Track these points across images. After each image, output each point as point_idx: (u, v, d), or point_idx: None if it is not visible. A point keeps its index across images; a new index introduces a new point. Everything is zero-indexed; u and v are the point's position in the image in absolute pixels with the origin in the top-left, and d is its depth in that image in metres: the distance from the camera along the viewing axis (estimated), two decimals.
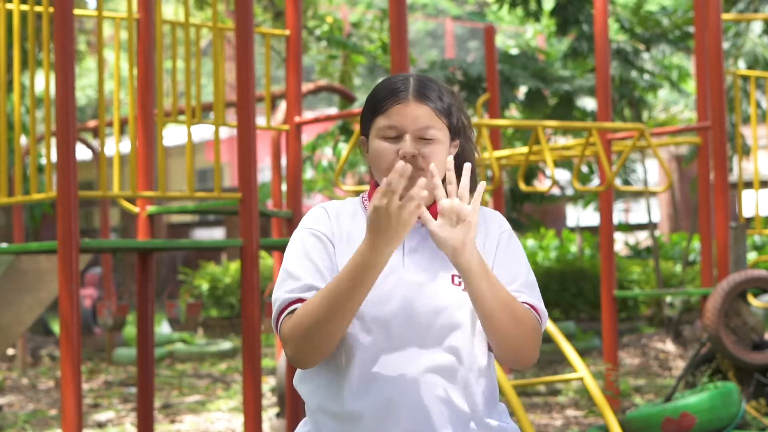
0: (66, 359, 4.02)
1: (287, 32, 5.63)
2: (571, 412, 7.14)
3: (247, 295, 4.42)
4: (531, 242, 13.22)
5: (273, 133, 7.52)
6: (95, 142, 12.01)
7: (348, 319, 1.99)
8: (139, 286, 4.96)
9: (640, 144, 6.59)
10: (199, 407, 7.85)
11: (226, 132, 17.11)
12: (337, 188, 11.97)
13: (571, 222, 19.06)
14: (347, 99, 10.79)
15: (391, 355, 2.05)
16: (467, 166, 2.01)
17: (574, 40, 9.79)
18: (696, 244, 11.99)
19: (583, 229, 14.79)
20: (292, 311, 2.04)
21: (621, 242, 16.47)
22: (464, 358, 2.08)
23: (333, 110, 19.11)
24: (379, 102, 2.11)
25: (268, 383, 8.54)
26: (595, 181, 10.96)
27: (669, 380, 8.45)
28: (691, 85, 14.12)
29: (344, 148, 9.88)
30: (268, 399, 7.85)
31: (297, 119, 5.63)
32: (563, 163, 10.62)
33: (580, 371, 4.86)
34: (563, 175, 13.22)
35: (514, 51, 11.14)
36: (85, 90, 22.54)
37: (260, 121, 5.78)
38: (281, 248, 5.52)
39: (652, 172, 16.16)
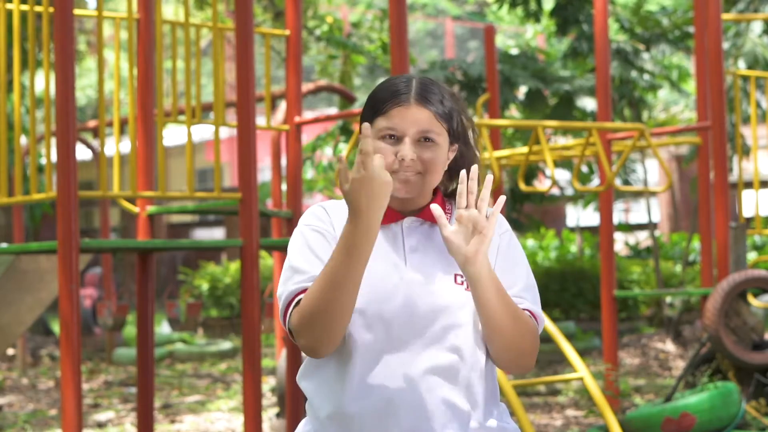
0: (66, 359, 4.02)
1: (287, 32, 5.63)
2: (571, 412, 7.14)
3: (247, 295, 4.42)
4: (531, 242, 13.23)
5: (273, 133, 7.52)
6: (95, 142, 12.01)
7: (350, 298, 1.98)
8: (139, 286, 4.96)
9: (640, 144, 6.59)
10: (199, 407, 7.85)
11: (226, 132, 17.10)
12: (337, 188, 11.96)
13: (571, 222, 19.07)
14: (347, 99, 10.79)
15: (392, 355, 2.05)
16: (489, 178, 2.01)
17: (574, 40, 9.79)
18: (696, 244, 11.99)
19: (583, 229, 14.80)
20: (299, 302, 2.04)
21: (621, 242, 16.47)
22: (466, 357, 2.08)
23: (333, 110, 19.11)
24: (380, 103, 2.11)
25: (268, 383, 8.54)
26: (595, 181, 10.96)
27: (669, 380, 8.45)
28: (691, 85, 14.12)
29: (344, 148, 9.88)
30: (268, 399, 7.85)
31: (297, 119, 5.63)
32: (563, 163, 10.62)
33: (580, 371, 4.85)
34: (563, 175, 13.22)
35: (514, 51, 11.14)
36: (85, 90, 22.54)
37: (260, 121, 5.78)
38: (281, 248, 5.52)
39: (652, 172, 16.16)
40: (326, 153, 11.92)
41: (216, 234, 21.93)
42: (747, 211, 15.66)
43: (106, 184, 4.38)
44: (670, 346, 9.95)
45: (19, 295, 5.79)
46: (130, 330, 11.96)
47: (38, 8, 4.52)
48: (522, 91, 10.20)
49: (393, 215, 2.13)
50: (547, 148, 5.36)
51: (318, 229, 2.11)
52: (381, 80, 12.99)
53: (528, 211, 12.49)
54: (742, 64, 8.75)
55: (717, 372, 5.88)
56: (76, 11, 4.79)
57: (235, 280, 13.10)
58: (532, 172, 10.11)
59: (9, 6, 4.68)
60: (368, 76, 15.13)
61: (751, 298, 5.97)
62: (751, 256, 11.87)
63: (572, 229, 15.72)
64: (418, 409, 2.04)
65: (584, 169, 10.66)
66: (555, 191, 13.47)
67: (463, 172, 2.03)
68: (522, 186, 5.64)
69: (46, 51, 4.24)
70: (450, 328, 2.06)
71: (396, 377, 2.04)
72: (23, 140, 10.57)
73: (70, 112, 4.04)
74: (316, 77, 13.57)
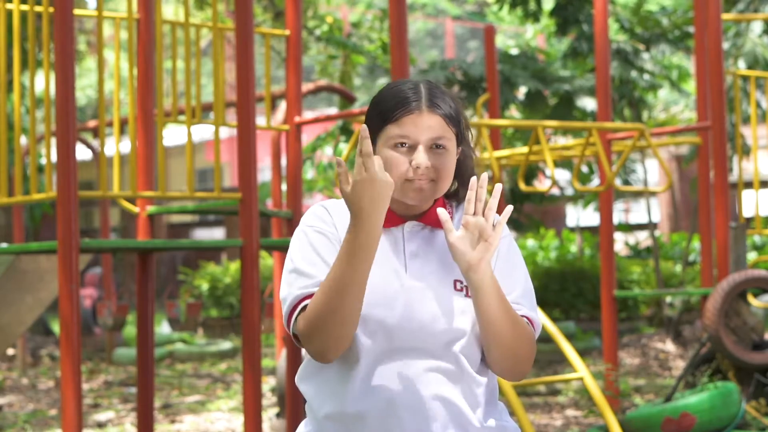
0: (66, 359, 4.02)
1: (287, 32, 5.63)
2: (571, 412, 7.14)
3: (247, 295, 4.42)
4: (531, 242, 13.23)
5: (273, 133, 7.52)
6: (95, 142, 12.02)
7: (357, 301, 1.97)
8: (139, 286, 4.96)
9: (640, 144, 6.59)
10: (199, 407, 7.85)
11: (226, 132, 17.11)
12: (337, 189, 11.96)
13: (571, 222, 19.07)
14: (347, 99, 10.79)
15: (393, 358, 2.05)
16: (498, 187, 2.01)
17: (574, 40, 9.79)
18: (696, 244, 11.99)
19: (583, 229, 14.80)
20: (305, 307, 2.03)
21: (621, 242, 16.47)
22: (466, 361, 2.08)
23: (333, 110, 19.11)
24: (389, 111, 2.09)
25: (268, 383, 8.54)
26: (595, 181, 10.96)
27: (669, 380, 8.45)
28: (691, 85, 14.12)
29: (344, 148, 9.88)
30: (268, 399, 7.85)
31: (297, 119, 5.63)
32: (563, 163, 10.62)
33: (580, 371, 4.85)
34: (563, 175, 13.22)
35: (514, 51, 11.14)
36: (85, 90, 22.54)
37: (260, 121, 5.78)
38: (281, 248, 5.52)
39: (652, 172, 16.16)
40: (326, 153, 11.92)
41: (216, 234, 21.93)
42: (747, 211, 15.67)
43: (106, 184, 4.38)
44: (670, 346, 9.95)
45: (19, 295, 5.79)
46: (130, 330, 11.96)
47: (38, 8, 4.52)
48: (522, 91, 10.20)
49: (394, 219, 2.13)
50: (547, 148, 5.36)
51: (321, 231, 2.10)
52: (381, 81, 12.93)
53: (528, 211, 12.49)
54: (742, 64, 8.75)
55: (717, 372, 5.88)
56: (76, 11, 4.79)
57: (235, 280, 13.10)
58: (532, 172, 10.11)
59: (9, 6, 4.68)
60: (368, 76, 15.12)
61: (751, 298, 5.97)
62: (751, 256, 11.87)
63: (572, 229, 15.72)
64: (419, 410, 2.04)
65: (584, 169, 10.66)
66: (555, 191, 13.47)
67: (473, 179, 2.02)
68: (522, 186, 5.64)
69: (46, 51, 4.24)
70: (450, 334, 2.06)
71: (397, 379, 2.04)
72: (23, 140, 10.57)
73: (70, 112, 4.04)
74: (316, 77, 13.57)
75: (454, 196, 2.21)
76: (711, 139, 6.49)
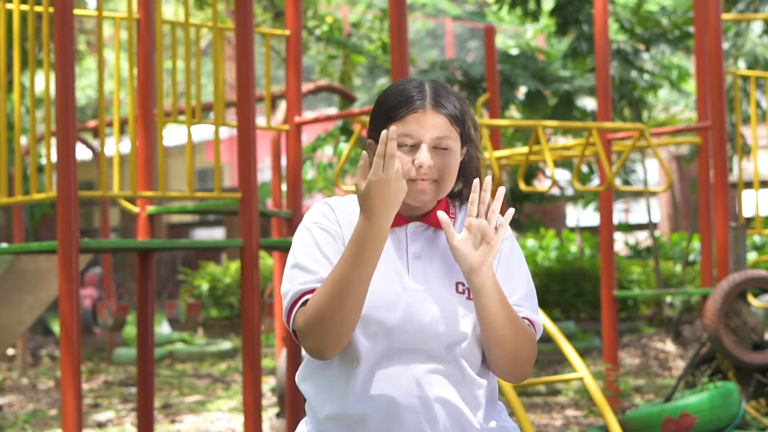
0: (66, 359, 4.02)
1: (287, 32, 5.63)
2: (571, 412, 7.14)
3: (247, 295, 4.42)
4: (531, 242, 13.23)
5: (273, 133, 7.52)
6: (95, 142, 12.02)
7: (359, 301, 1.97)
8: (139, 286, 4.96)
9: (640, 144, 6.59)
10: (199, 407, 7.85)
11: (226, 132, 17.11)
12: (338, 188, 11.97)
13: (571, 222, 19.06)
14: (347, 99, 10.79)
15: (394, 360, 2.05)
16: (501, 190, 2.01)
17: (574, 40, 9.79)
18: (696, 244, 11.99)
19: (583, 229, 14.79)
20: (305, 302, 2.03)
21: (621, 242, 16.47)
22: (467, 363, 2.08)
23: (333, 110, 19.11)
24: (393, 109, 2.08)
25: (268, 383, 8.54)
26: (595, 181, 10.96)
27: (669, 380, 8.45)
28: (691, 85, 14.13)
29: (345, 148, 9.88)
30: (268, 399, 7.85)
31: (297, 119, 5.63)
32: (563, 163, 10.62)
33: (580, 371, 4.85)
34: (563, 175, 13.22)
35: (514, 51, 11.14)
36: (85, 90, 22.54)
37: (260, 121, 5.78)
38: (281, 248, 5.52)
39: (652, 172, 16.16)
40: (326, 153, 11.92)
41: (216, 234, 21.93)
42: (747, 211, 15.67)
43: (106, 184, 4.38)
44: (670, 346, 9.95)
45: (19, 295, 5.78)
46: (130, 330, 11.96)
47: (38, 8, 4.52)
48: (522, 91, 10.20)
49: (398, 219, 2.12)
50: (547, 148, 5.35)
51: (324, 227, 2.10)
52: (381, 80, 12.92)
53: (528, 211, 12.49)
54: (742, 64, 8.75)
55: (717, 372, 5.88)
56: (76, 11, 4.79)
57: (235, 280, 13.09)
58: (532, 172, 10.11)
59: (9, 6, 4.68)
60: (368, 76, 15.12)
61: (751, 298, 5.97)
62: (751, 256, 11.87)
63: (572, 229, 15.72)
64: (420, 413, 2.04)
65: (584, 169, 10.66)
66: (555, 191, 13.47)
67: (476, 181, 2.03)
68: (522, 186, 5.63)
69: (46, 51, 4.24)
70: (452, 336, 2.06)
71: (398, 380, 2.04)
72: (23, 140, 10.56)
73: (70, 112, 4.04)
74: (316, 77, 13.56)
75: (458, 197, 2.21)
76: (711, 139, 6.49)
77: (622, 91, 9.74)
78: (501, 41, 16.45)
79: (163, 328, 12.19)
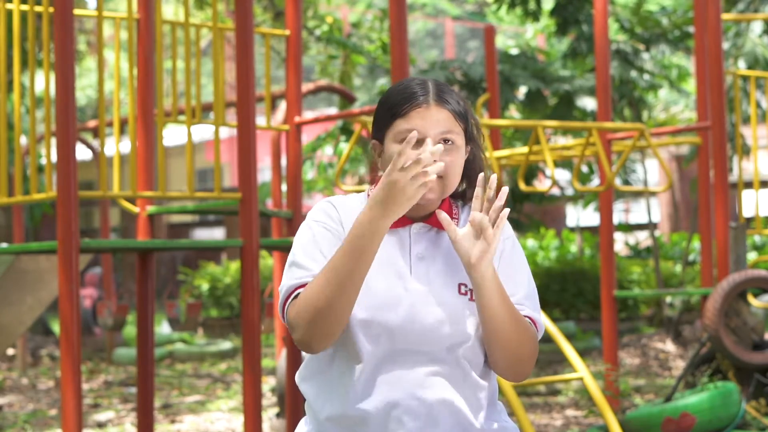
0: (66, 359, 4.02)
1: (287, 32, 5.63)
2: (571, 412, 7.14)
3: (247, 295, 4.42)
4: (531, 242, 13.23)
5: (273, 133, 7.52)
6: (95, 142, 12.02)
7: (351, 297, 1.97)
8: (139, 286, 4.96)
9: (640, 144, 6.59)
10: (199, 407, 7.85)
11: (226, 132, 17.11)
12: (337, 188, 11.97)
13: (571, 222, 19.06)
14: (347, 99, 10.79)
15: (396, 361, 2.05)
16: (504, 190, 2.01)
17: (574, 40, 9.79)
18: (696, 244, 11.99)
19: (583, 229, 14.79)
20: (297, 296, 2.03)
21: (621, 242, 16.47)
22: (468, 365, 2.08)
23: (333, 110, 19.11)
24: (397, 105, 2.09)
25: (268, 383, 8.54)
26: (595, 181, 10.96)
27: (669, 380, 8.45)
28: (691, 85, 14.13)
29: (345, 147, 9.88)
30: (268, 399, 7.85)
31: (297, 119, 5.63)
32: (563, 163, 10.61)
33: (580, 371, 4.85)
34: (563, 175, 13.22)
35: (514, 51, 11.14)
36: (85, 90, 22.53)
37: (260, 121, 5.78)
38: (281, 248, 5.52)
39: (652, 172, 16.16)
40: (326, 153, 11.92)
41: (216, 234, 21.93)
42: (747, 211, 15.67)
43: (106, 184, 4.38)
44: (670, 346, 9.95)
45: (19, 295, 5.78)
46: (130, 330, 11.96)
47: (38, 8, 4.52)
48: (522, 91, 10.20)
49: (401, 220, 2.12)
50: (547, 148, 5.35)
51: (326, 226, 2.10)
52: (381, 80, 12.91)
53: (528, 211, 12.48)
54: (742, 64, 8.75)
55: (717, 372, 5.88)
56: (76, 11, 4.79)
57: (235, 280, 13.09)
58: (532, 172, 10.11)
59: (9, 6, 4.68)
60: (368, 76, 15.12)
61: (751, 298, 5.97)
62: (751, 256, 11.87)
63: (572, 229, 15.72)
64: (421, 414, 2.04)
65: (584, 169, 10.66)
66: (555, 191, 13.47)
67: (481, 175, 2.03)
68: (522, 186, 5.63)
69: (46, 51, 4.24)
70: (454, 338, 2.06)
71: (400, 382, 2.04)
72: (23, 140, 10.56)
73: (70, 112, 4.04)
74: (316, 77, 13.56)
75: (461, 197, 2.21)
76: (711, 139, 6.49)
77: (622, 91, 9.74)
78: (501, 41, 16.45)
79: (163, 328, 12.19)
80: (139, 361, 4.95)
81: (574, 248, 13.51)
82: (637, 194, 14.27)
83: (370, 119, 4.58)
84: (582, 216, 15.65)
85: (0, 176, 4.43)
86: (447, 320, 2.05)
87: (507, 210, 2.02)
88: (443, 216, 2.01)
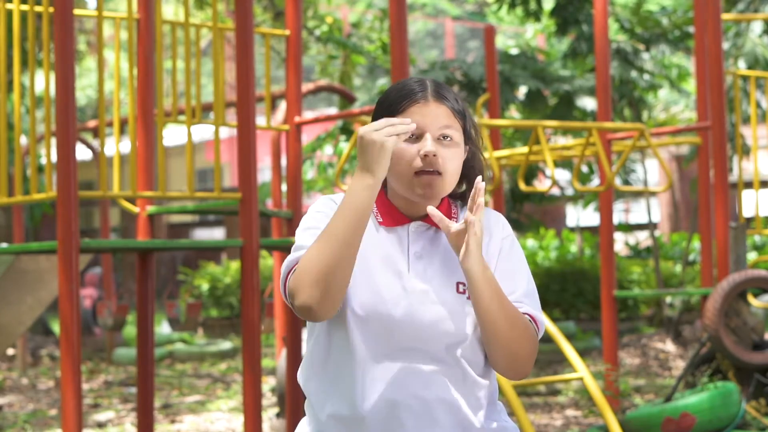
0: (66, 359, 4.02)
1: (287, 32, 5.63)
2: (571, 412, 7.14)
3: (247, 295, 4.42)
4: (531, 242, 13.23)
5: (273, 133, 7.52)
6: (95, 142, 12.02)
7: (349, 256, 1.97)
8: (139, 286, 4.96)
9: (640, 144, 6.59)
10: (199, 407, 7.85)
11: (226, 132, 17.11)
12: (337, 188, 11.96)
13: (571, 222, 19.06)
14: (347, 99, 10.79)
15: (395, 360, 2.05)
16: (480, 184, 2.02)
17: (574, 40, 9.79)
18: (696, 244, 11.99)
19: (583, 229, 14.79)
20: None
21: (621, 242, 16.47)
22: (468, 364, 2.08)
23: (333, 110, 19.11)
24: (396, 103, 2.10)
25: (268, 383, 8.54)
26: (595, 181, 10.96)
27: (669, 380, 8.45)
28: (691, 85, 14.13)
29: (345, 147, 9.88)
30: (268, 399, 7.85)
31: (297, 119, 5.63)
32: (563, 163, 10.62)
33: (580, 371, 4.85)
34: (563, 175, 13.22)
35: (514, 51, 11.14)
36: (85, 90, 22.53)
37: (260, 121, 5.78)
38: (281, 248, 5.52)
39: (652, 172, 16.16)
40: (326, 153, 11.92)
41: (216, 234, 21.93)
42: (747, 211, 15.67)
43: (106, 184, 4.38)
44: (670, 346, 9.95)
45: (19, 295, 5.78)
46: (130, 330, 11.96)
47: (38, 8, 4.52)
48: (522, 91, 10.20)
49: (400, 219, 2.13)
50: (547, 148, 5.35)
51: (323, 212, 2.12)
52: (381, 81, 12.93)
53: (528, 211, 12.49)
54: (742, 64, 8.75)
55: (717, 372, 5.88)
56: (76, 11, 4.79)
57: (235, 280, 13.09)
58: (532, 172, 10.11)
59: (9, 6, 4.68)
60: (368, 76, 15.13)
61: (751, 298, 5.97)
62: (751, 256, 11.87)
63: (572, 229, 15.72)
64: (421, 414, 2.04)
65: (584, 169, 10.66)
66: (555, 191, 13.47)
67: (478, 178, 2.04)
68: (522, 186, 5.63)
69: (46, 51, 4.24)
70: (452, 336, 2.06)
71: (399, 382, 2.04)
72: (23, 140, 10.56)
73: (70, 112, 4.04)
74: (316, 77, 13.56)
75: (461, 197, 2.21)
76: (711, 139, 6.49)
77: (622, 91, 9.74)
78: (501, 41, 16.46)
79: (163, 328, 12.19)
80: (139, 361, 4.95)
81: (574, 248, 13.51)
82: (637, 194, 14.27)
83: (369, 119, 4.58)
84: (582, 216, 15.65)
85: (0, 176, 4.43)
86: (445, 318, 2.05)
87: (482, 200, 2.03)
88: (434, 212, 2.01)
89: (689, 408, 5.07)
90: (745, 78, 8.48)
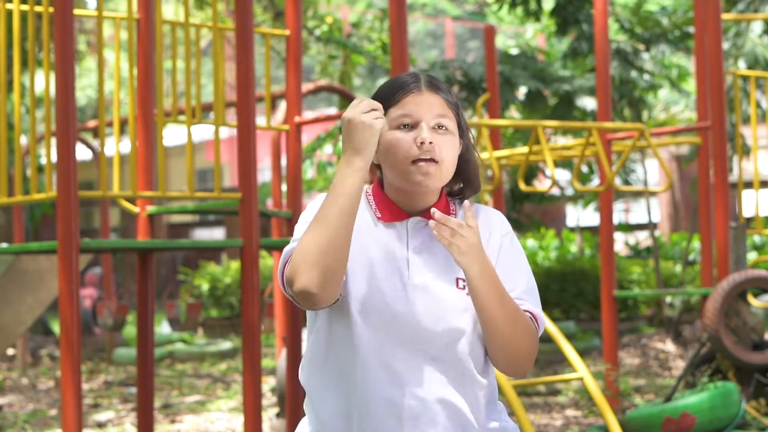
0: (66, 359, 4.02)
1: (287, 32, 5.63)
2: (571, 412, 7.14)
3: (247, 295, 4.42)
4: (531, 242, 13.23)
5: (273, 133, 7.52)
6: (95, 142, 12.02)
7: (343, 237, 1.98)
8: (139, 286, 4.96)
9: (640, 144, 6.59)
10: (199, 407, 7.85)
11: (226, 132, 17.11)
12: None
13: (571, 222, 19.06)
14: (347, 99, 10.78)
15: (394, 357, 2.05)
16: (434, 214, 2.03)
17: (574, 40, 9.79)
18: (696, 244, 11.99)
19: (583, 229, 14.79)
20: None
21: (621, 242, 16.47)
22: (466, 360, 2.08)
23: (333, 110, 19.11)
24: (390, 95, 2.12)
25: (268, 383, 8.54)
26: (595, 181, 10.96)
27: (669, 380, 8.45)
28: (691, 85, 14.13)
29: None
30: (268, 399, 7.85)
31: (297, 119, 5.63)
32: (563, 163, 10.62)
33: (580, 371, 4.85)
34: (563, 175, 13.22)
35: (514, 51, 11.14)
36: (85, 90, 22.53)
37: (260, 121, 5.78)
38: (281, 248, 5.52)
39: (652, 172, 16.16)
40: (326, 152, 11.92)
41: (216, 234, 21.93)
42: (747, 211, 15.67)
43: (106, 184, 4.38)
44: (670, 346, 9.95)
45: (19, 295, 5.78)
46: (130, 330, 11.96)
47: (38, 8, 4.52)
48: (522, 91, 10.20)
49: (399, 214, 2.13)
50: (547, 148, 5.35)
51: (318, 206, 2.13)
52: (381, 81, 12.97)
53: (528, 211, 12.49)
54: (742, 64, 8.75)
55: (717, 372, 5.88)
56: (76, 11, 4.79)
57: (235, 280, 13.10)
58: (532, 172, 10.11)
59: (9, 6, 4.68)
60: (368, 76, 15.13)
61: (751, 298, 5.97)
62: (751, 256, 11.87)
63: (572, 229, 15.72)
64: (420, 412, 2.04)
65: (584, 169, 10.66)
66: (555, 191, 13.47)
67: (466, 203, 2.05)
68: (522, 186, 5.63)
69: (46, 51, 4.24)
70: (451, 332, 2.06)
71: (398, 379, 2.04)
72: (23, 140, 10.56)
73: (70, 112, 4.04)
74: (316, 77, 13.56)
75: (458, 195, 2.21)
76: (711, 139, 6.49)
77: (622, 91, 9.74)
78: (501, 41, 16.46)
79: (163, 328, 12.19)
80: (139, 361, 4.95)
81: (574, 248, 13.51)
82: (637, 194, 14.27)
83: None
84: (582, 216, 15.65)
85: (0, 176, 4.42)
86: (444, 313, 2.06)
87: (466, 203, 2.04)
88: (436, 214, 2.01)
89: (689, 408, 5.07)
90: (745, 78, 8.48)
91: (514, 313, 2.04)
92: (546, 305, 10.97)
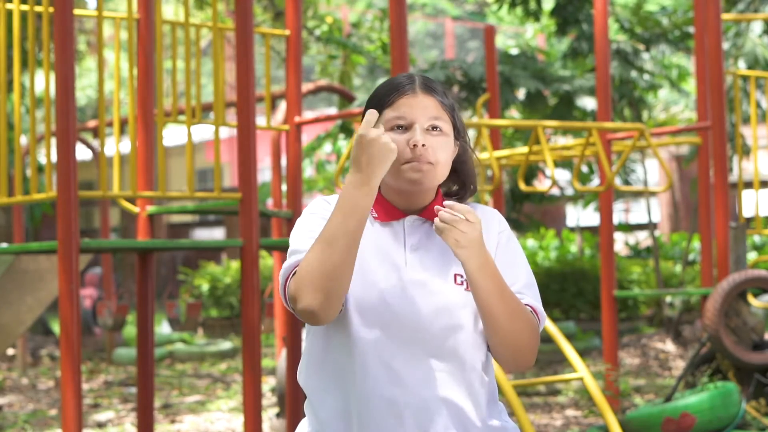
0: (66, 359, 4.02)
1: (287, 32, 5.63)
2: (571, 412, 7.14)
3: (247, 295, 4.42)
4: (531, 242, 13.23)
5: (273, 133, 7.52)
6: (95, 142, 12.02)
7: (345, 256, 1.96)
8: (139, 286, 4.96)
9: (640, 144, 6.59)
10: (199, 407, 7.85)
11: (226, 132, 17.11)
12: (338, 188, 11.96)
13: (571, 222, 19.07)
14: (347, 99, 10.79)
15: (393, 356, 2.05)
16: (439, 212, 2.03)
17: (574, 40, 9.79)
18: (696, 244, 11.99)
19: (583, 229, 14.79)
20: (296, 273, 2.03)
21: (621, 242, 16.47)
22: (466, 358, 2.08)
23: (333, 110, 19.11)
24: (384, 96, 2.12)
25: (268, 383, 8.54)
26: (595, 181, 10.95)
27: (669, 380, 8.45)
28: (691, 85, 14.13)
29: (344, 146, 9.88)
30: (268, 399, 7.85)
31: (297, 119, 5.63)
32: (563, 163, 10.62)
33: (580, 371, 4.85)
34: (563, 175, 13.22)
35: (514, 51, 11.14)
36: (85, 90, 22.53)
37: (260, 121, 5.78)
38: (281, 248, 5.52)
39: (652, 172, 16.16)
40: (325, 151, 11.93)
41: (216, 234, 21.93)
42: (747, 211, 15.67)
43: (106, 184, 4.38)
44: (670, 346, 9.95)
45: (19, 295, 5.78)
46: (130, 330, 11.96)
47: (38, 8, 4.52)
48: (522, 91, 10.20)
49: (395, 213, 2.14)
50: (547, 148, 5.35)
51: (318, 214, 2.12)
52: (381, 81, 13.00)
53: (528, 211, 12.49)
54: (742, 64, 8.75)
55: (717, 372, 5.88)
56: (76, 11, 4.79)
57: (235, 280, 13.10)
58: (532, 172, 10.11)
59: (9, 6, 4.68)
60: (368, 76, 15.13)
61: (751, 298, 5.97)
62: (751, 256, 11.87)
63: (572, 229, 15.72)
64: (420, 410, 2.04)
65: (584, 169, 10.66)
66: (555, 191, 13.47)
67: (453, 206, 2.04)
68: (522, 186, 5.63)
69: (46, 51, 4.24)
70: (450, 329, 2.06)
71: (397, 378, 2.04)
72: (23, 140, 10.56)
73: (70, 112, 4.04)
74: (316, 77, 13.56)
75: (455, 196, 2.22)
76: (711, 139, 6.49)
77: (622, 91, 9.74)
78: (501, 41, 16.46)
79: (163, 328, 12.20)
80: (139, 361, 4.95)
81: (574, 248, 13.51)
82: (637, 194, 14.27)
83: None
84: (582, 216, 15.65)
85: (0, 176, 4.43)
86: (442, 309, 2.06)
87: (451, 202, 2.03)
88: (439, 211, 2.01)
89: (689, 408, 5.07)
90: (745, 78, 8.48)
91: (515, 308, 2.04)
92: (546, 305, 10.97)
